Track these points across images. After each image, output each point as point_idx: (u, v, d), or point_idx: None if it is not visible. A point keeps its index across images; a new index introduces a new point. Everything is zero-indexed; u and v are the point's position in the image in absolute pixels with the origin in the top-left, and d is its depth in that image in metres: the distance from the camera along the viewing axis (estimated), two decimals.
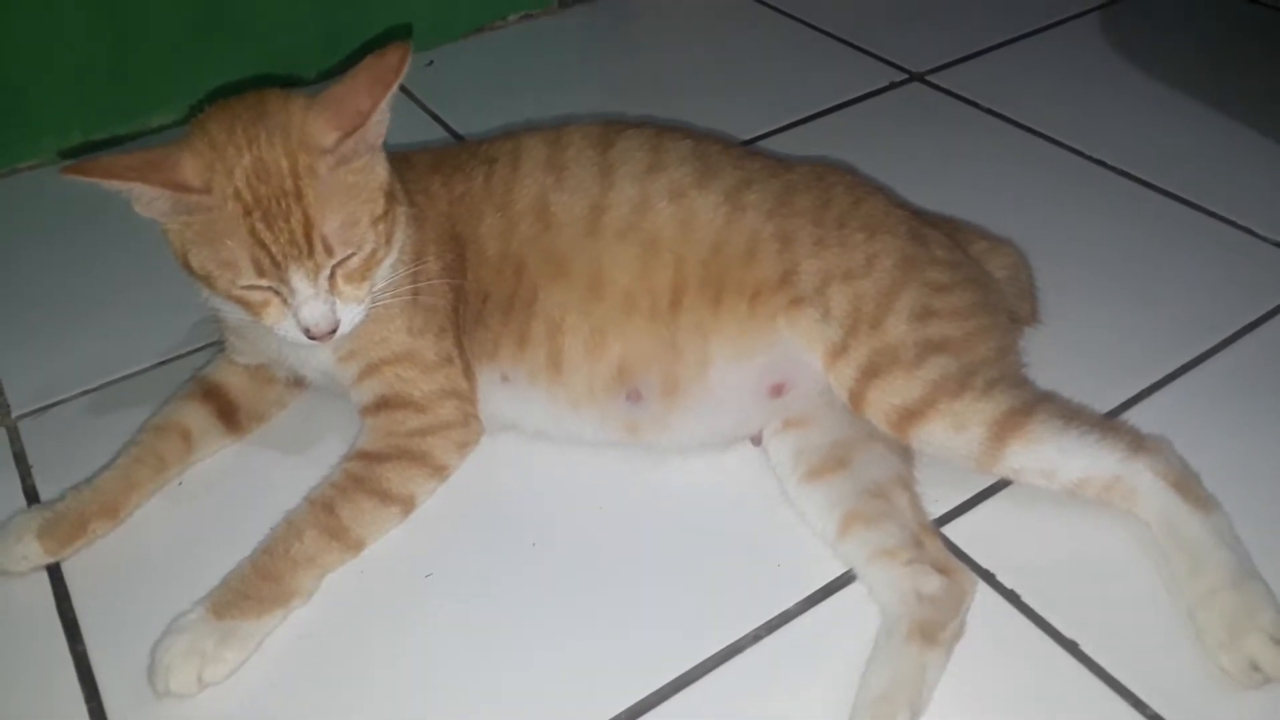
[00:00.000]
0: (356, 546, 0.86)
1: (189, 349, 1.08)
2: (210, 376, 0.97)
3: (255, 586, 0.81)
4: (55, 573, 0.87)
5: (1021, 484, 0.85)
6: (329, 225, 0.79)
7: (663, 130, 0.97)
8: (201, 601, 0.80)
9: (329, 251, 0.79)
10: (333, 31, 1.52)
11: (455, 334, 0.92)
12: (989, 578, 0.83)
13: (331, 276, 0.80)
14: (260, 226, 0.77)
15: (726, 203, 0.90)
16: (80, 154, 1.40)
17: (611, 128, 0.96)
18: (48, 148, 1.39)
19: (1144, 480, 0.82)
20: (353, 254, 0.81)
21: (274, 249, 0.77)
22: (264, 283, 0.79)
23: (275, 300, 0.80)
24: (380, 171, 0.83)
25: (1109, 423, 0.87)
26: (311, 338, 0.81)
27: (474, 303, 0.92)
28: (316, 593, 0.83)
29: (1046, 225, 1.18)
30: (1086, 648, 0.78)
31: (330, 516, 0.85)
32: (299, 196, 0.77)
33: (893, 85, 1.48)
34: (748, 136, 1.37)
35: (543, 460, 0.94)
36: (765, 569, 0.85)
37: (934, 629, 0.76)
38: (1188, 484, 0.83)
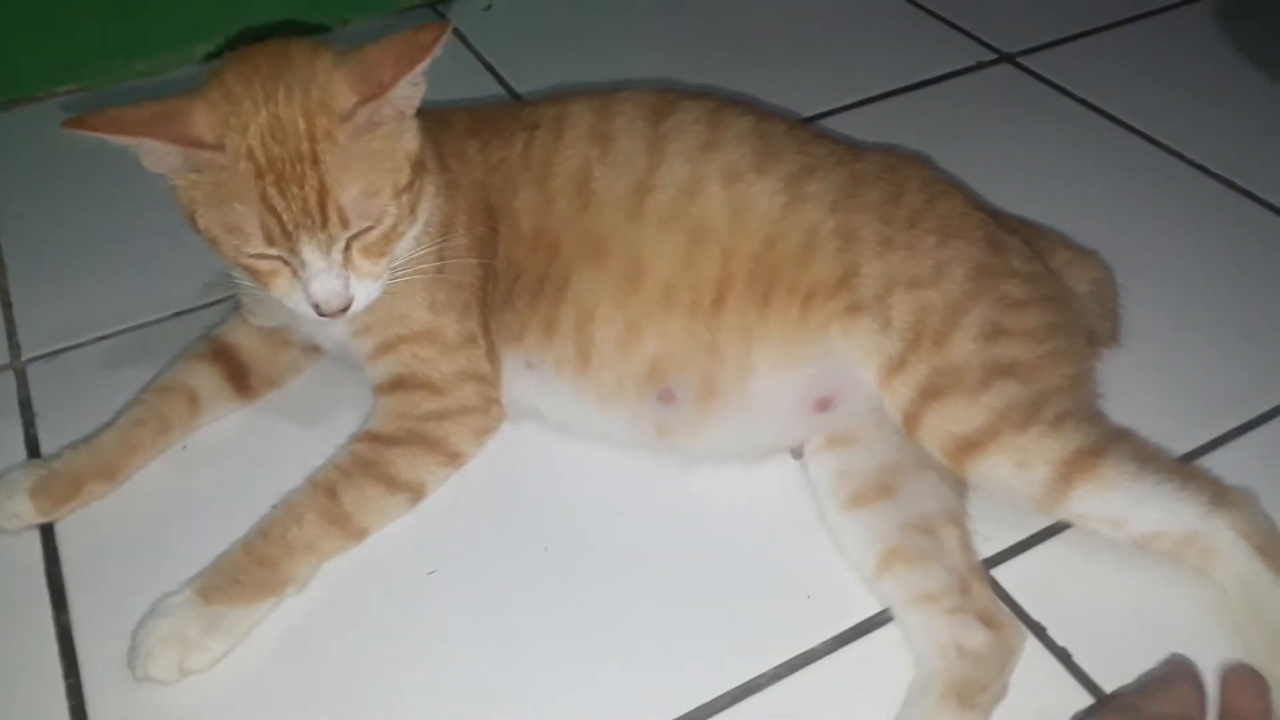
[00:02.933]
0: (358, 535, 0.80)
1: (208, 301, 1.02)
2: (222, 336, 0.92)
3: (247, 571, 0.76)
4: (48, 533, 0.83)
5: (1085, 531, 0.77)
6: (346, 195, 0.72)
7: (723, 104, 0.88)
8: (189, 583, 0.75)
9: (344, 223, 0.73)
10: None
11: (481, 313, 0.86)
12: (1039, 631, 0.76)
13: (347, 249, 0.74)
14: (272, 191, 0.71)
15: (786, 191, 0.82)
16: (121, 83, 1.35)
17: (667, 97, 0.88)
18: (89, 73, 1.34)
19: (1224, 539, 0.74)
20: (371, 227, 0.74)
21: (285, 216, 0.71)
22: (273, 251, 0.73)
23: (285, 271, 0.74)
24: (409, 140, 0.77)
25: (1189, 469, 0.78)
26: (321, 314, 0.75)
27: (504, 282, 0.86)
28: (312, 581, 0.79)
29: (1138, 235, 1.08)
30: None
31: (332, 501, 0.79)
32: (315, 161, 0.71)
33: (980, 65, 1.37)
34: (815, 111, 1.27)
35: (564, 455, 0.88)
36: (794, 599, 0.78)
37: (972, 690, 0.69)
38: (1274, 547, 0.74)
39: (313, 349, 0.93)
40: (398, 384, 0.84)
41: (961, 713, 0.68)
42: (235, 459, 0.89)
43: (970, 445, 0.75)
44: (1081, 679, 0.73)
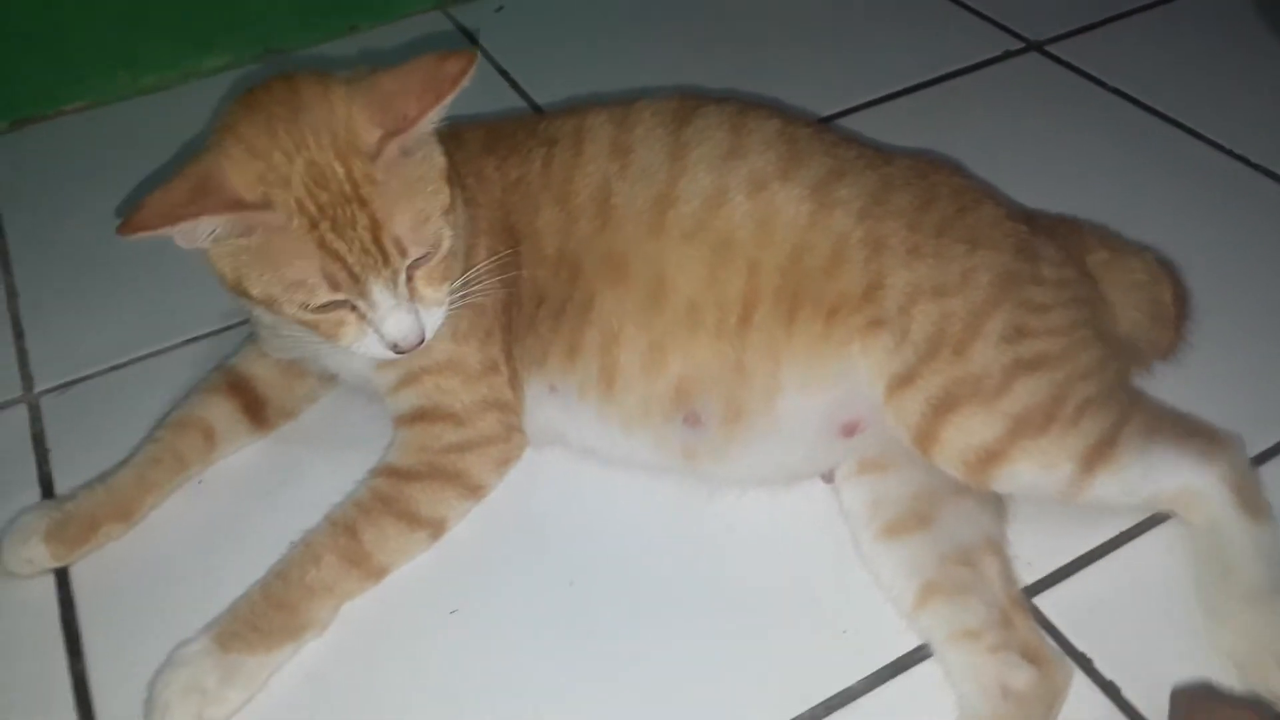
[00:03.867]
0: (378, 574, 0.78)
1: (222, 326, 1.00)
2: (237, 368, 0.89)
3: (265, 616, 0.74)
4: (63, 577, 0.81)
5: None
6: (400, 226, 0.70)
7: (746, 108, 0.85)
8: (206, 630, 0.74)
9: (403, 253, 0.71)
10: None
11: (504, 338, 0.83)
12: (1085, 664, 0.73)
13: (410, 281, 0.72)
14: (331, 237, 0.68)
15: (813, 198, 0.79)
16: (127, 99, 1.33)
17: (687, 103, 0.85)
18: (93, 90, 1.31)
19: (1211, 487, 0.76)
20: (428, 253, 0.72)
21: (349, 259, 0.69)
22: (340, 297, 0.70)
23: (351, 317, 0.72)
24: (438, 157, 0.74)
25: (1184, 423, 0.81)
26: (400, 352, 0.73)
27: (528, 307, 0.83)
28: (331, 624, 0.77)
29: (1176, 231, 1.03)
30: None
31: (351, 540, 0.77)
32: (362, 202, 0.68)
33: (1007, 55, 1.32)
34: (839, 108, 1.23)
35: (589, 483, 0.85)
36: (829, 635, 0.75)
37: None
38: (1248, 491, 0.77)
39: (329, 379, 0.90)
40: (419, 416, 0.82)
41: None
42: (251, 492, 0.87)
43: (992, 456, 0.73)
44: (1131, 714, 0.70)
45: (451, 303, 0.78)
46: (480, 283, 0.80)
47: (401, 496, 0.79)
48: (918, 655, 0.73)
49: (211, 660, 0.72)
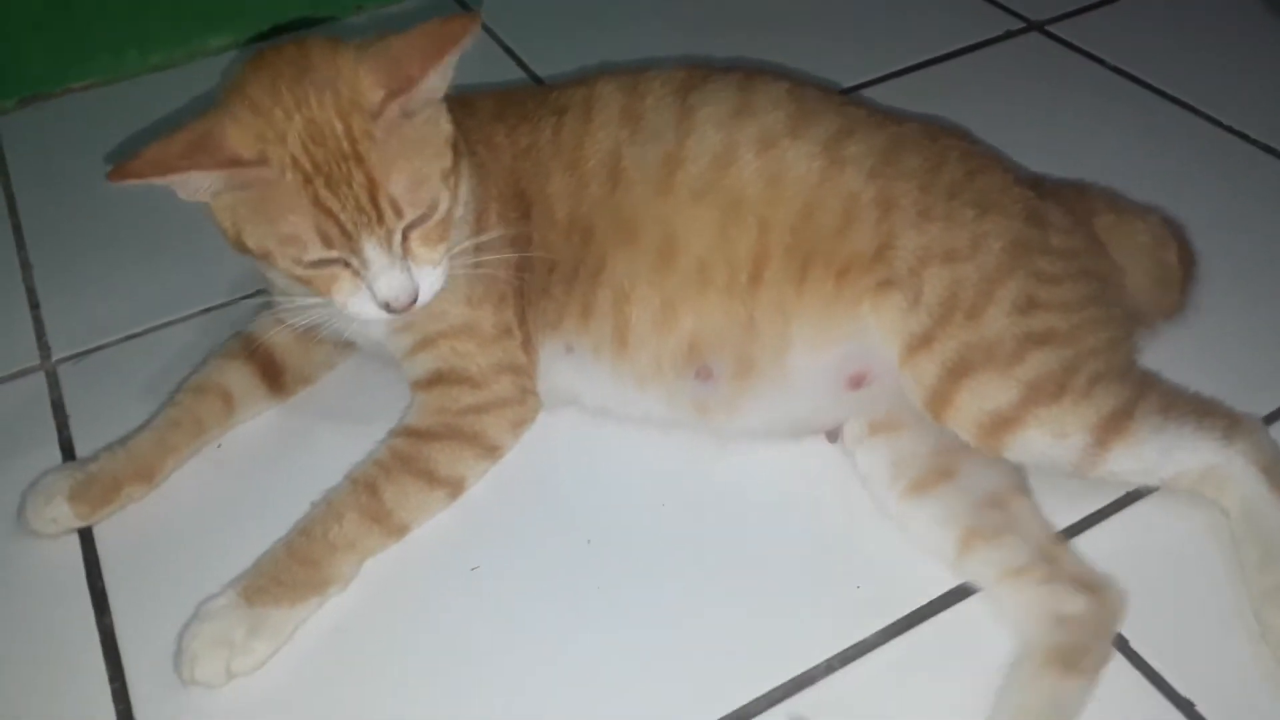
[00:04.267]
0: (400, 531, 0.80)
1: (238, 296, 1.02)
2: (255, 334, 0.90)
3: (290, 571, 0.75)
4: (87, 537, 0.82)
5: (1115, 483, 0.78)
6: (396, 186, 0.71)
7: (754, 72, 0.86)
8: (233, 585, 0.75)
9: (399, 213, 0.72)
10: None
11: (517, 302, 0.85)
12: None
13: (405, 241, 0.73)
14: (325, 193, 0.69)
15: (824, 155, 0.80)
16: (135, 77, 1.34)
17: (696, 72, 0.86)
18: (102, 68, 1.32)
19: (1237, 467, 0.76)
20: (425, 214, 0.73)
21: (342, 216, 0.70)
22: (333, 254, 0.71)
23: (345, 275, 0.73)
24: (445, 124, 0.75)
25: (1204, 403, 0.80)
26: (392, 311, 0.74)
27: (540, 272, 0.84)
28: (354, 580, 0.78)
29: (1176, 204, 1.03)
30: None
31: (373, 498, 0.78)
32: (359, 159, 0.70)
33: (1009, 34, 1.34)
34: (843, 86, 1.25)
35: (605, 443, 0.87)
36: (843, 590, 0.77)
37: (1076, 655, 0.68)
38: (1277, 469, 0.76)
39: (346, 345, 0.92)
40: (436, 379, 0.83)
41: (1065, 678, 0.67)
42: (270, 457, 0.88)
43: (1005, 421, 0.74)
44: (1141, 665, 0.71)
45: (465, 268, 0.79)
46: (493, 249, 0.81)
47: (420, 456, 0.81)
48: (931, 609, 0.75)
49: (238, 614, 0.73)
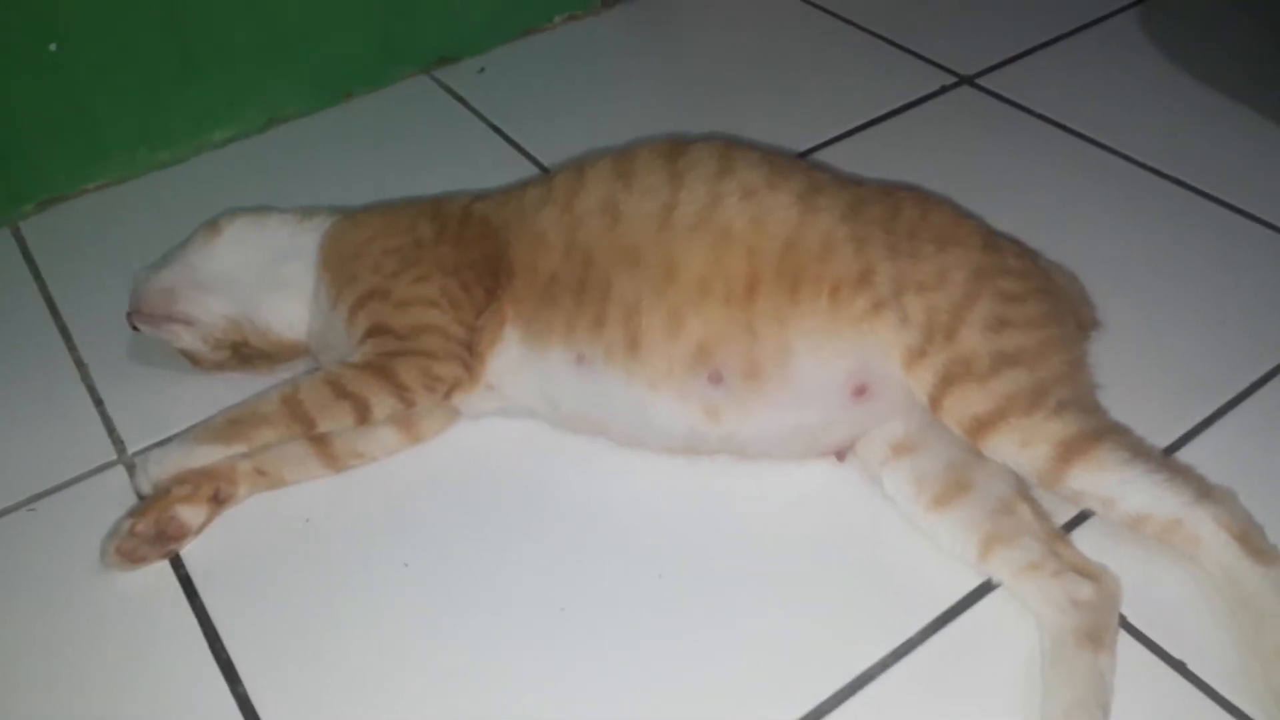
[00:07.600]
0: (306, 422, 0.94)
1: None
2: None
3: (216, 425, 0.95)
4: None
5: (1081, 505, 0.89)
6: None
7: (731, 143, 1.00)
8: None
9: None
10: (387, 39, 1.52)
11: (467, 294, 0.98)
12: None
13: None
14: None
15: (799, 203, 0.93)
16: (144, 174, 1.41)
17: (678, 144, 0.99)
18: (116, 167, 1.39)
19: (1207, 529, 0.83)
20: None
21: None
22: None
23: None
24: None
25: (1177, 465, 0.89)
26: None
27: (538, 282, 0.96)
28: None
29: (1100, 236, 1.20)
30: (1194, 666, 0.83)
31: (293, 392, 0.94)
32: None
33: (943, 89, 1.49)
34: (803, 148, 1.38)
35: (629, 472, 0.98)
36: (883, 595, 0.89)
37: (1098, 632, 0.81)
38: (1250, 536, 0.83)
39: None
40: (369, 332, 0.97)
41: (1098, 652, 0.80)
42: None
43: (983, 424, 0.87)
44: (1140, 637, 0.85)
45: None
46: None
47: (340, 376, 0.95)
48: (959, 606, 0.87)
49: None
